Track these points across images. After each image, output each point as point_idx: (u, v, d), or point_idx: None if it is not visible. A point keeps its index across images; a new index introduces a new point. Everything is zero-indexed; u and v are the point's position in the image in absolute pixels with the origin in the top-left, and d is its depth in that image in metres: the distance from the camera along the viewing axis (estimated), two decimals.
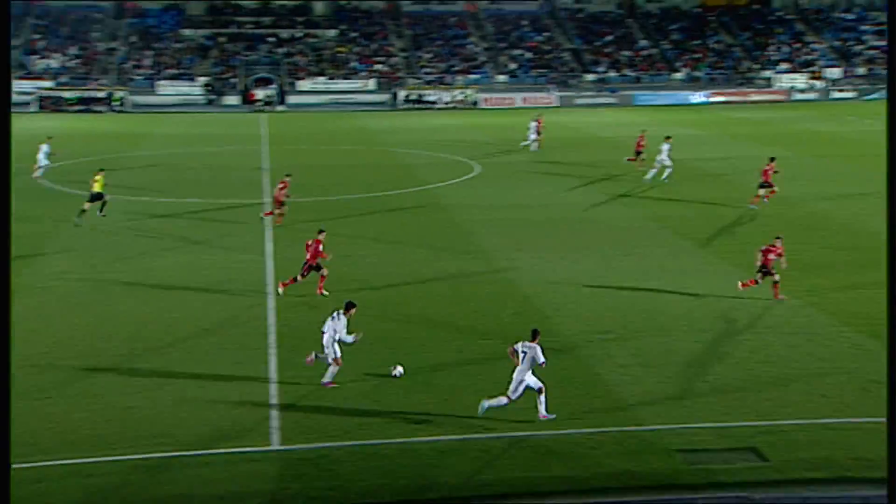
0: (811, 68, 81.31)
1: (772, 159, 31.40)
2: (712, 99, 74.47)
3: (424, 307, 20.43)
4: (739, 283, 20.95)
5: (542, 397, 14.59)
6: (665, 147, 35.78)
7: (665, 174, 35.78)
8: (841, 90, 77.74)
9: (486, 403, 14.56)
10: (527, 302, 20.76)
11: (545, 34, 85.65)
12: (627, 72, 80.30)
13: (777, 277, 20.68)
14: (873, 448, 13.09)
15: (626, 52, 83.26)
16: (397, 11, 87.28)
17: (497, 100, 73.01)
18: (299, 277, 20.92)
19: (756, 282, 20.81)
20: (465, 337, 18.42)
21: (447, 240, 27.11)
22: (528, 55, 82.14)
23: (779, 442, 13.93)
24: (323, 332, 15.83)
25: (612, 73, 79.85)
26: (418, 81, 75.84)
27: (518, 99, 73.28)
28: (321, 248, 21.02)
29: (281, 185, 28.35)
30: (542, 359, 14.59)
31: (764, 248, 20.85)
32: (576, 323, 19.35)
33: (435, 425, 14.31)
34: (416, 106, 71.19)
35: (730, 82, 78.68)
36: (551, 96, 74.07)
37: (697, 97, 74.53)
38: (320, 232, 21.45)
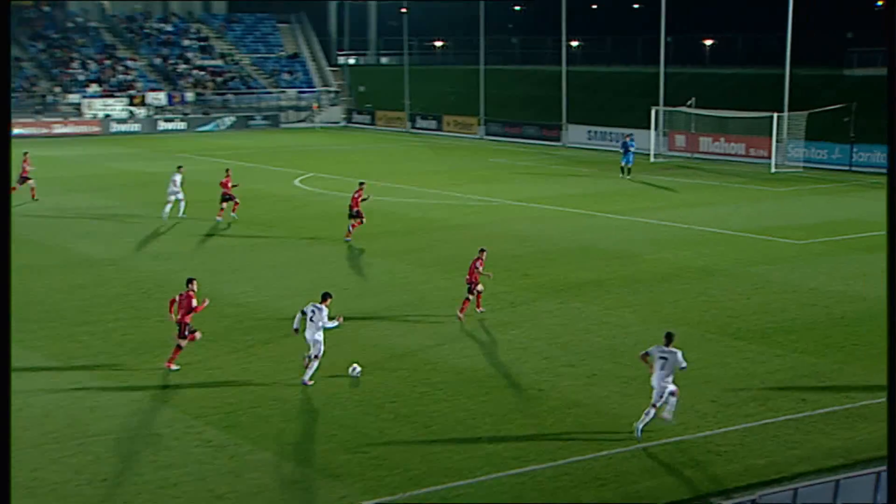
0: (130, 92, 74.50)
1: (361, 184, 33.35)
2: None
3: None
4: (458, 311, 22.93)
5: (674, 400, 15.95)
6: (177, 178, 36.56)
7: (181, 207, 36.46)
8: (168, 120, 72.92)
9: (639, 425, 15.81)
10: None
11: None
12: None
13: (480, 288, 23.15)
14: None
15: None
16: None
17: None
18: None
19: (468, 300, 22.97)
20: None
21: None
22: None
23: None
24: (297, 329, 18.81)
25: None
26: None
27: None
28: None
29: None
30: (683, 363, 15.92)
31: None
32: None
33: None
34: None
35: (27, 108, 68.64)
36: None
37: None
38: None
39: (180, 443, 15.78)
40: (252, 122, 76.73)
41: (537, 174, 50.03)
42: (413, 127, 76.06)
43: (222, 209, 35.40)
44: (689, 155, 55.54)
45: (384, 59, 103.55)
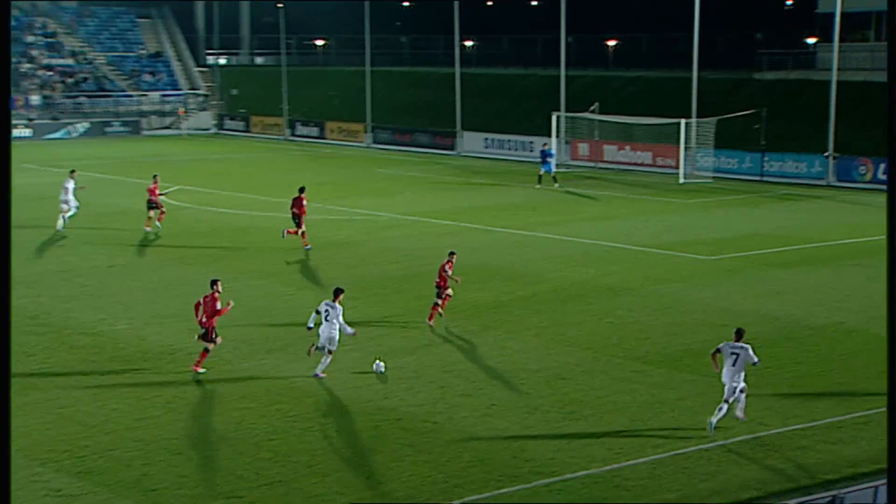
0: None
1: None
2: None
3: None
4: (428, 320, 24.39)
5: (744, 397, 17.72)
6: (70, 184, 36.95)
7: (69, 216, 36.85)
8: (15, 126, 71.04)
9: (713, 420, 17.40)
10: None
11: None
12: None
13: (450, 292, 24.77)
14: None
15: None
16: None
17: None
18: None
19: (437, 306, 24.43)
20: None
21: None
22: None
23: None
24: (310, 328, 20.77)
25: None
26: None
27: None
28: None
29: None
30: (755, 358, 17.60)
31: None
32: None
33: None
34: None
35: None
36: None
37: None
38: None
39: (25, 492, 15.28)
40: (109, 129, 75.20)
41: (430, 186, 50.33)
42: (293, 134, 75.68)
43: (150, 218, 36.10)
44: (592, 165, 56.66)
45: (259, 60, 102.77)
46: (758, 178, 51.44)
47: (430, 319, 24.22)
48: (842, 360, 21.78)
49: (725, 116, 52.22)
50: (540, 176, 49.59)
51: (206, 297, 20.72)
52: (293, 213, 33.76)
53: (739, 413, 17.80)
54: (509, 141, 62.85)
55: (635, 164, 55.98)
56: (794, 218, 40.85)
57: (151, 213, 36.18)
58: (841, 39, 51.73)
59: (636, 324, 24.64)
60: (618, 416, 18.42)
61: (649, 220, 39.95)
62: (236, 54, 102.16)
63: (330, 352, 20.35)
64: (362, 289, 27.36)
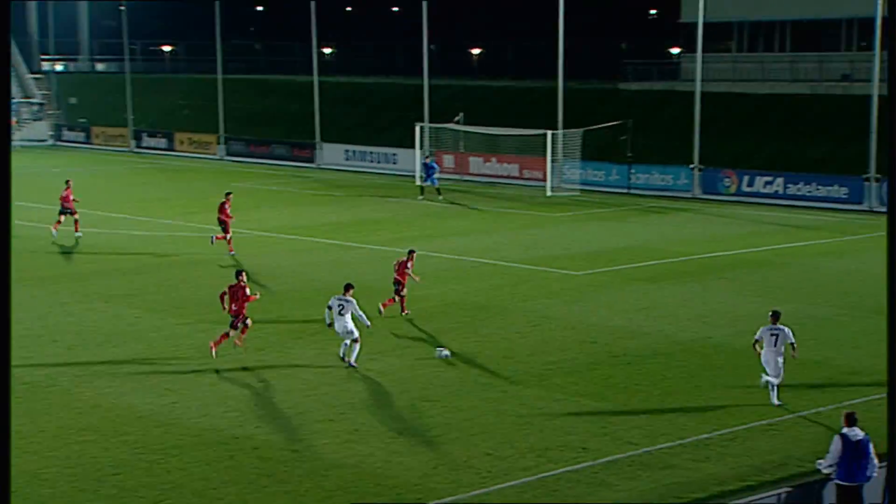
0: None
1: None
2: None
3: None
4: (380, 305, 26.50)
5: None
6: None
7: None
8: None
9: (773, 399, 20.05)
10: None
11: None
12: None
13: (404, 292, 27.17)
14: None
15: None
16: None
17: None
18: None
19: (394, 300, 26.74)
20: None
21: None
22: None
23: None
24: (330, 324, 22.70)
25: None
26: None
27: None
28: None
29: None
30: (792, 338, 19.98)
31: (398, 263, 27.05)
32: None
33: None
34: None
35: None
36: None
37: None
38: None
39: None
40: None
41: (288, 200, 50.03)
42: (139, 146, 74.20)
43: (59, 222, 38.03)
44: (458, 177, 57.21)
45: (100, 66, 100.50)
46: (625, 190, 52.76)
47: (383, 305, 26.55)
48: (709, 375, 22.49)
49: (592, 128, 53.45)
50: (422, 188, 50.40)
51: (232, 286, 23.06)
52: (219, 220, 35.54)
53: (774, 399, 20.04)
54: (371, 153, 63.00)
55: (502, 176, 56.78)
56: (661, 231, 42.02)
57: (62, 217, 37.96)
58: (704, 50, 53.58)
59: (505, 342, 24.96)
60: (486, 439, 18.60)
61: (517, 235, 40.56)
62: (74, 60, 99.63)
63: (356, 340, 22.39)
64: (217, 311, 26.97)
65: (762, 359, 20.11)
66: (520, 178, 56.02)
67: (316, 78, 65.78)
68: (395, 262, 27.42)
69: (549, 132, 52.60)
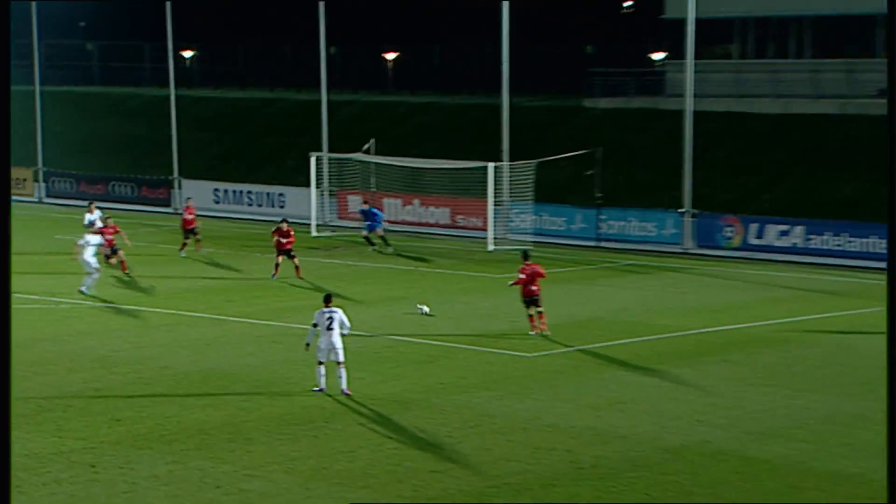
0: None
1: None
2: None
3: None
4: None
5: None
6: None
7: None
8: None
9: None
10: None
11: None
12: None
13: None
14: None
15: None
16: None
17: None
18: None
19: None
20: None
21: None
22: None
23: None
24: (309, 344, 28.24)
25: None
26: None
27: None
28: None
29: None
30: None
31: None
32: None
33: None
34: None
35: None
36: None
37: None
38: None
39: None
40: None
41: (134, 257, 49.60)
42: None
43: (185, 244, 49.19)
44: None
45: None
46: (593, 242, 52.99)
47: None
48: (710, 493, 22.53)
49: (548, 158, 53.52)
50: (368, 238, 51.45)
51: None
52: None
53: None
54: (250, 193, 62.79)
55: (427, 224, 56.78)
56: (641, 298, 42.24)
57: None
58: (697, 56, 53.47)
59: (431, 449, 24.82)
60: None
61: (448, 303, 40.56)
62: None
63: (339, 363, 27.35)
64: (36, 411, 26.55)
65: None
66: (452, 227, 56.11)
67: (173, 91, 65.49)
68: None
69: (491, 164, 52.63)
